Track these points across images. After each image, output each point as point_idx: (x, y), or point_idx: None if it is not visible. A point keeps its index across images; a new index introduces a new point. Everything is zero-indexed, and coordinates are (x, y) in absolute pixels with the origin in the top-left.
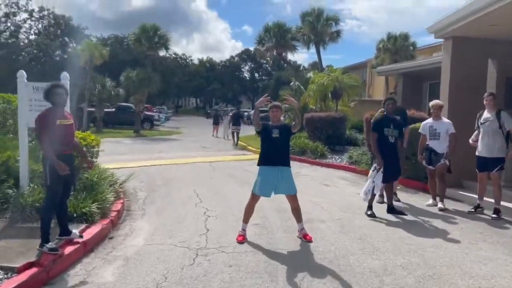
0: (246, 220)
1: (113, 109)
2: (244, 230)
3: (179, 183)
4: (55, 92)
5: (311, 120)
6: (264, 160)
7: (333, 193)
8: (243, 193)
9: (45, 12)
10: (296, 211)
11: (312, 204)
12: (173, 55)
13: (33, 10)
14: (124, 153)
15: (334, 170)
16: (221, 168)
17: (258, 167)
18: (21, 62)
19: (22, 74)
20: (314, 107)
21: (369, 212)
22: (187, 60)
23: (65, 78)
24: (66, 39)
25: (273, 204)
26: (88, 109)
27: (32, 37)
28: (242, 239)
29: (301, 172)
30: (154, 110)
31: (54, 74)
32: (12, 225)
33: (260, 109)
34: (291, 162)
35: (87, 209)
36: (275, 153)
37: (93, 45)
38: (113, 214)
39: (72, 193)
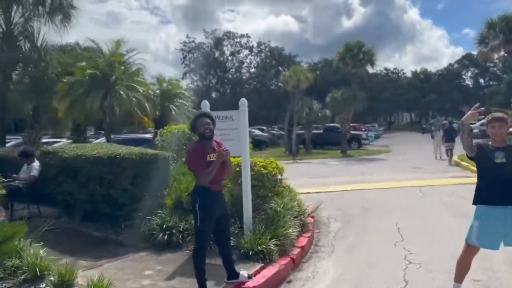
0: (458, 279)
1: (321, 130)
2: None
3: (379, 212)
4: (200, 123)
5: None
6: (484, 198)
7: None
8: (461, 231)
9: (262, 46)
10: None
11: None
12: (384, 71)
13: (252, 46)
14: (326, 175)
15: None
16: (433, 194)
17: (475, 206)
18: (243, 94)
19: (205, 104)
20: None
21: None
22: (399, 74)
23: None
24: (280, 68)
25: (504, 253)
26: (297, 131)
27: (252, 70)
28: None
29: None
30: (363, 129)
31: (270, 102)
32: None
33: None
34: None
35: (263, 246)
36: (501, 187)
37: (300, 70)
38: (296, 251)
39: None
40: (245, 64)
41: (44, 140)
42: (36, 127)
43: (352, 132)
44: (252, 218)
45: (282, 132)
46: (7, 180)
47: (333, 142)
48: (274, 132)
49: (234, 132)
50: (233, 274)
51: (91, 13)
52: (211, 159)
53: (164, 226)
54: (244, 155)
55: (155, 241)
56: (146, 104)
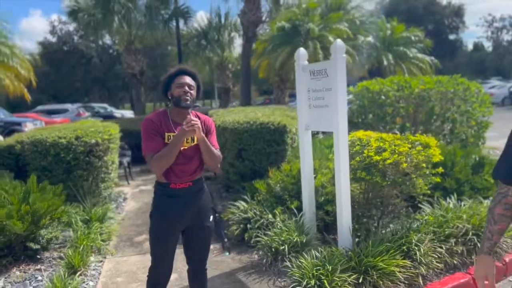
0: None
1: None
2: None
3: None
4: (176, 83)
5: None
6: None
7: None
8: None
9: None
10: None
11: None
12: None
13: None
14: None
15: None
16: None
17: None
18: None
19: (299, 54)
20: None
21: None
22: None
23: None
24: None
25: None
26: None
27: None
28: None
29: None
30: None
31: None
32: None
33: None
34: None
35: (321, 279)
36: None
37: None
38: None
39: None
40: None
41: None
42: (282, 87)
43: None
44: (366, 232)
45: None
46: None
47: None
48: None
49: (329, 95)
50: None
51: None
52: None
53: (239, 215)
54: (337, 131)
55: (232, 233)
56: None
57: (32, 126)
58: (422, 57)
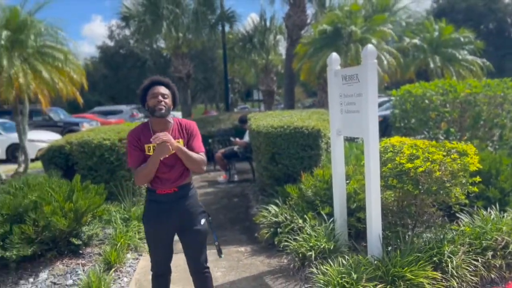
0: None
1: None
2: None
3: None
4: (150, 93)
5: None
6: None
7: None
8: None
9: None
10: None
11: None
12: None
13: None
14: None
15: None
16: None
17: None
18: None
19: (332, 59)
20: None
21: None
22: None
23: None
24: None
25: None
26: None
27: None
28: None
29: None
30: None
31: None
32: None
33: None
34: None
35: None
36: None
37: None
38: None
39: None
40: None
41: None
42: (326, 89)
43: None
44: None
45: None
46: (229, 146)
47: None
48: None
49: (360, 101)
50: None
51: None
52: (150, 153)
53: (270, 219)
54: (367, 137)
55: (262, 236)
56: (384, 60)
57: (89, 126)
58: (472, 59)
